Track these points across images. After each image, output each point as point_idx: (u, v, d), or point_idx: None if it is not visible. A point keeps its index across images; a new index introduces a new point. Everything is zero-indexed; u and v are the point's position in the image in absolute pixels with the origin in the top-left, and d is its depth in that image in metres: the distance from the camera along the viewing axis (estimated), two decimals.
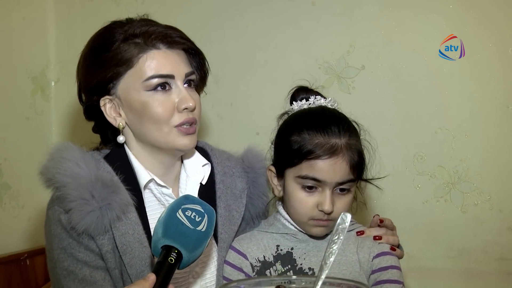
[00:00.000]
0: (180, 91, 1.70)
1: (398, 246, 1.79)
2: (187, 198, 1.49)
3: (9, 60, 2.66)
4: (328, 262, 1.29)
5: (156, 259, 1.41)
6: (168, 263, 1.38)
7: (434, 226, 2.49)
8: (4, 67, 2.64)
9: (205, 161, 1.87)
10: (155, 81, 1.68)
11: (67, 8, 2.91)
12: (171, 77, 1.69)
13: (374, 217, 1.86)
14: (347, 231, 1.74)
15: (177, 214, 1.43)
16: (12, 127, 2.68)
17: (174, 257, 1.38)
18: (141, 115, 1.70)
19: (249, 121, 2.69)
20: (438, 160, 2.48)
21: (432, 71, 2.47)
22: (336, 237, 1.27)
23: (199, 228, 1.44)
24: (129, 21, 1.75)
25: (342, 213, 1.33)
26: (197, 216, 1.45)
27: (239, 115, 2.72)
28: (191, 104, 1.69)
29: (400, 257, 1.78)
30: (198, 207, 1.47)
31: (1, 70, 2.62)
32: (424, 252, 2.50)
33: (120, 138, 1.76)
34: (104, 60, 1.70)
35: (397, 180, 2.47)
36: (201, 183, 1.84)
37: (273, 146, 1.83)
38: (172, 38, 1.72)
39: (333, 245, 1.25)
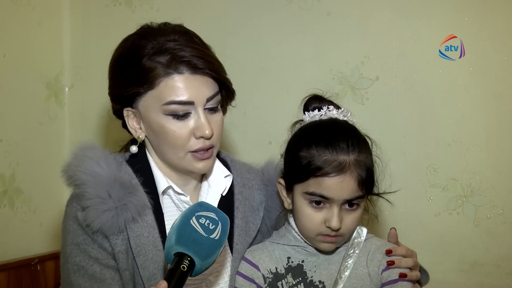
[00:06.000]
0: (198, 117, 1.69)
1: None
2: (201, 205, 1.49)
3: (23, 65, 2.67)
4: (343, 276, 1.28)
5: (168, 266, 1.41)
6: (180, 270, 1.38)
7: (446, 239, 2.48)
8: (19, 72, 2.64)
9: (227, 172, 1.87)
10: (174, 107, 1.66)
11: (82, 14, 2.92)
12: (191, 103, 1.67)
13: (390, 230, 1.80)
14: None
15: (191, 221, 1.43)
16: (25, 132, 2.68)
17: (187, 265, 1.38)
18: (158, 136, 1.71)
19: (262, 130, 2.68)
20: (451, 172, 2.46)
21: (446, 83, 2.46)
22: (352, 251, 1.26)
23: (212, 236, 1.44)
24: (162, 31, 1.73)
25: (358, 227, 1.32)
26: (211, 224, 1.45)
27: (252, 124, 2.71)
28: (207, 132, 1.68)
29: None
30: (212, 215, 1.47)
31: (15, 75, 2.62)
32: (436, 265, 2.48)
33: (133, 148, 1.78)
34: (128, 74, 1.70)
35: (410, 192, 2.46)
36: (221, 194, 1.84)
37: (282, 159, 1.82)
38: (196, 65, 1.68)
39: (349, 259, 1.25)
